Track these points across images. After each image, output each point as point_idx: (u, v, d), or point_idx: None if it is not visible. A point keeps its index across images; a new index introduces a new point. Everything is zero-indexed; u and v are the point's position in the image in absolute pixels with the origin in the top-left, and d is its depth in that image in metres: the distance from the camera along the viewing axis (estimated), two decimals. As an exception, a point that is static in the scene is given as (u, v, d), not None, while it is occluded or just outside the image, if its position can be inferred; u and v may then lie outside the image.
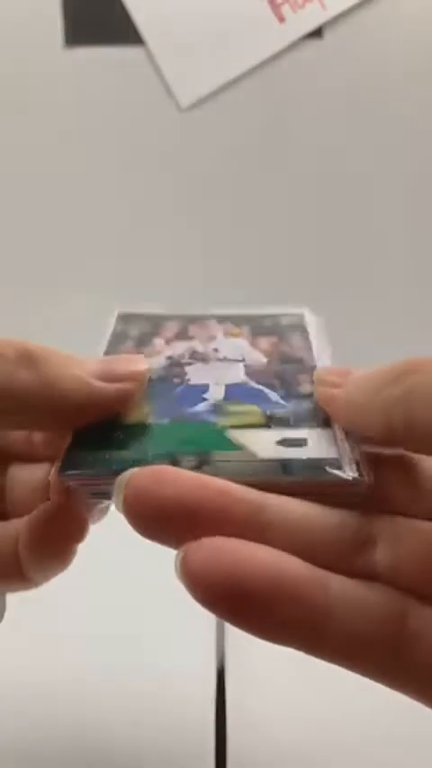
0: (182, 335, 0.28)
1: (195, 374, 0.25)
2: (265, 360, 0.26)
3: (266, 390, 0.24)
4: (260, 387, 0.24)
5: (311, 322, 0.29)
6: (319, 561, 0.17)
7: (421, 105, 0.57)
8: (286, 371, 0.25)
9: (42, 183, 0.58)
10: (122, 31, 0.55)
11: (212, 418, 0.22)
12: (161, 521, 0.17)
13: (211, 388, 0.24)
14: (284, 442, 0.20)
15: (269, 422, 0.21)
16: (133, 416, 0.21)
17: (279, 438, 0.20)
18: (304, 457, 0.19)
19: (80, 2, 0.55)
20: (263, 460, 0.19)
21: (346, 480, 0.18)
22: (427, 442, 0.17)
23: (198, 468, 0.19)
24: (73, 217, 0.59)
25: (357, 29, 0.55)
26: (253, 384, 0.24)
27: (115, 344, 0.27)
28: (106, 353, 0.26)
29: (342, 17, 0.55)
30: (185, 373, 0.25)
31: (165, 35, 0.55)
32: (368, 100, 0.57)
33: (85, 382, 0.20)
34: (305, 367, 0.25)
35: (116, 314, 0.29)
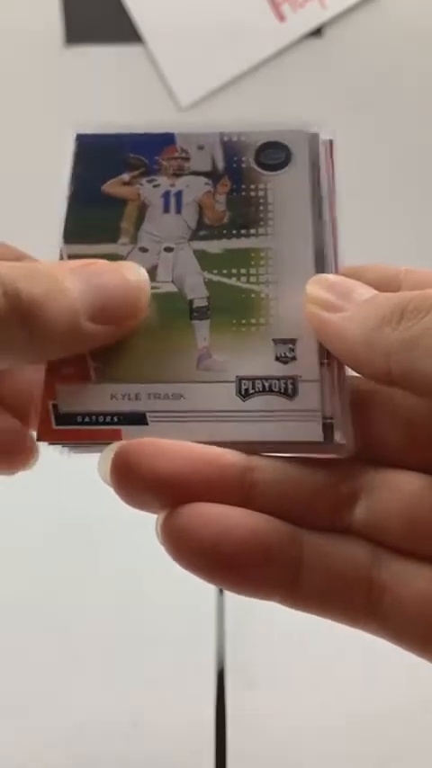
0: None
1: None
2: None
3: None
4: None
5: (326, 153, 0.23)
6: (300, 520, 0.18)
7: (421, 105, 0.57)
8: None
9: (42, 183, 0.58)
10: (122, 31, 0.55)
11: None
12: (149, 493, 0.17)
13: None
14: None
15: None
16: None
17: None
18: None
19: (80, 2, 0.55)
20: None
21: (328, 447, 0.18)
22: (428, 392, 0.16)
23: None
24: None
25: (357, 29, 0.55)
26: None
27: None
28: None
29: (342, 17, 0.55)
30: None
31: (165, 35, 0.55)
32: (368, 100, 0.57)
33: (78, 329, 0.18)
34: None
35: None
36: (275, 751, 0.33)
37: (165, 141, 0.22)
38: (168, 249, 0.20)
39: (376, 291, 0.18)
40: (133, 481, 0.17)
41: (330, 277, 0.19)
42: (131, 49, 0.55)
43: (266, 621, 0.36)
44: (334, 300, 0.18)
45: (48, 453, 0.19)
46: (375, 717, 0.34)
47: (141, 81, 0.56)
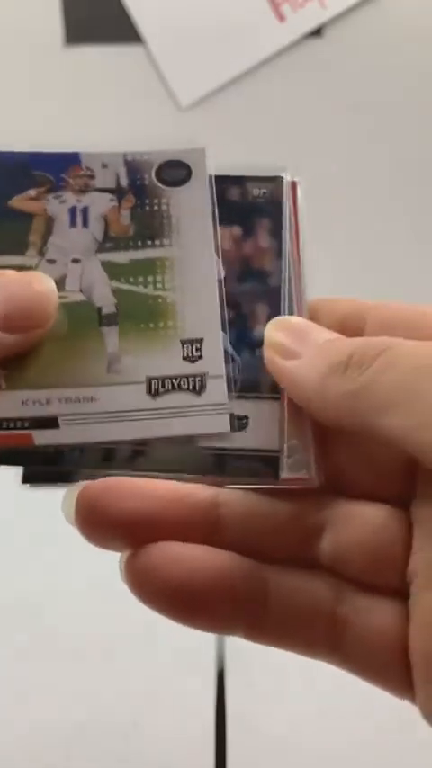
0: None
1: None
2: (223, 272, 0.21)
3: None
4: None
5: (288, 194, 0.23)
6: (266, 554, 0.18)
7: (421, 105, 0.57)
8: (244, 296, 0.21)
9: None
10: (122, 31, 0.55)
11: None
12: (114, 534, 0.17)
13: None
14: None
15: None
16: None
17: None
18: (245, 446, 0.19)
19: (80, 1, 0.55)
20: (202, 455, 0.19)
21: (292, 480, 0.18)
22: (377, 443, 0.17)
23: (134, 458, 0.19)
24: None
25: (357, 29, 0.55)
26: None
27: None
28: None
29: (342, 17, 0.55)
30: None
31: (165, 35, 0.55)
32: (368, 100, 0.57)
33: None
34: (268, 289, 0.21)
35: None
36: (275, 751, 0.33)
37: (70, 160, 0.23)
38: (76, 260, 0.21)
39: (333, 335, 0.18)
40: (98, 522, 0.17)
41: (290, 319, 0.20)
42: (131, 49, 0.55)
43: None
44: (289, 345, 0.18)
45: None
46: (376, 717, 0.34)
47: (141, 81, 0.56)
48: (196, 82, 0.56)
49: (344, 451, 0.19)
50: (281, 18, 0.55)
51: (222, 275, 0.21)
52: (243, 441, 0.19)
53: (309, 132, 0.58)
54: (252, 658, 0.37)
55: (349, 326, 0.19)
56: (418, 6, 0.55)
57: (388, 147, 0.58)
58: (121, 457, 0.19)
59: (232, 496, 0.18)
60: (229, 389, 0.19)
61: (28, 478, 0.19)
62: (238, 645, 0.38)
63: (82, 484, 0.18)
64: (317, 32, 0.55)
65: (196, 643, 0.38)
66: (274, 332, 0.19)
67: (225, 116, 0.57)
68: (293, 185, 0.23)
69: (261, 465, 0.19)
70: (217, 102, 0.57)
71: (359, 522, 0.18)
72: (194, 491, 0.18)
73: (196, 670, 0.37)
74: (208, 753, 0.33)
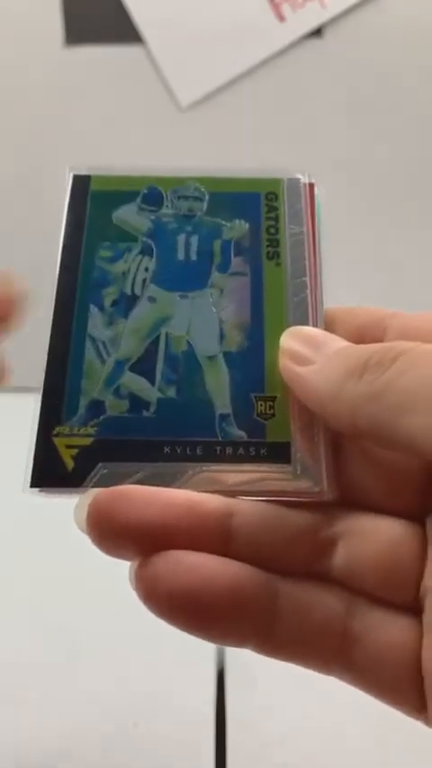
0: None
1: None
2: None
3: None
4: None
5: (305, 196, 0.23)
6: (278, 566, 0.18)
7: (421, 105, 0.57)
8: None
9: (42, 183, 0.58)
10: (122, 31, 0.55)
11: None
12: (126, 542, 0.17)
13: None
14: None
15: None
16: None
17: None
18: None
19: (80, 2, 0.55)
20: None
21: (304, 493, 0.18)
22: (395, 447, 0.16)
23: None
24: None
25: (357, 29, 0.55)
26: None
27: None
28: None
29: (342, 17, 0.55)
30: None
31: (165, 35, 0.55)
32: (368, 100, 0.57)
33: None
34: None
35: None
36: (275, 751, 0.33)
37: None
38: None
39: (347, 343, 0.18)
40: (110, 530, 0.17)
41: (304, 329, 0.20)
42: (131, 49, 0.55)
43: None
44: (304, 352, 0.19)
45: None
46: (376, 717, 0.34)
47: (141, 81, 0.56)
48: (196, 82, 0.56)
49: (357, 464, 0.19)
50: (281, 18, 0.55)
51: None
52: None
53: (308, 132, 0.58)
54: (252, 658, 0.37)
55: (368, 336, 0.19)
56: (418, 6, 0.55)
57: (388, 147, 0.58)
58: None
59: (244, 507, 0.18)
60: None
61: (36, 483, 0.19)
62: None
63: (94, 491, 0.17)
64: (317, 32, 0.55)
65: (196, 643, 0.38)
66: (289, 340, 0.19)
67: (225, 116, 0.57)
68: (310, 187, 0.23)
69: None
70: (217, 102, 0.57)
71: (373, 537, 0.18)
72: (207, 501, 0.18)
73: (196, 670, 0.37)
74: (208, 753, 0.33)
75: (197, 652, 0.38)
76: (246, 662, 0.37)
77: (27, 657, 0.38)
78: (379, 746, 0.33)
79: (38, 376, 0.20)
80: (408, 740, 0.33)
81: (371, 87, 0.57)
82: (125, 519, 0.17)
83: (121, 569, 0.40)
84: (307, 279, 0.21)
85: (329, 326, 0.20)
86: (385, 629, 0.17)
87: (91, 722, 0.35)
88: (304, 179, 0.23)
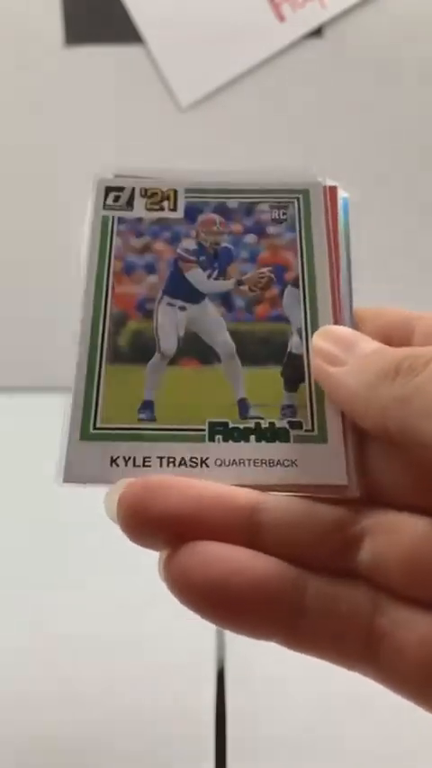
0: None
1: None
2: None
3: None
4: None
5: (326, 199, 0.22)
6: (305, 561, 0.18)
7: (421, 105, 0.57)
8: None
9: (42, 183, 0.58)
10: (122, 31, 0.55)
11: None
12: (156, 532, 0.17)
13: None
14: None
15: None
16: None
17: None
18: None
19: (80, 2, 0.55)
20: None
21: (332, 488, 0.18)
22: (423, 450, 0.17)
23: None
24: (72, 216, 0.59)
25: (357, 29, 0.55)
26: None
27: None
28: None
29: (342, 17, 0.55)
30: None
31: (165, 35, 0.55)
32: (368, 100, 0.57)
33: None
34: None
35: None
36: (275, 750, 0.33)
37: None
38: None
39: (379, 345, 0.19)
40: (140, 520, 0.17)
41: (336, 329, 0.20)
42: (131, 49, 0.55)
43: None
44: (337, 353, 0.19)
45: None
46: (376, 716, 0.34)
47: (141, 81, 0.56)
48: (196, 82, 0.56)
49: (383, 461, 0.19)
50: (281, 18, 0.55)
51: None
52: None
53: (308, 132, 0.58)
54: (252, 658, 0.37)
55: (395, 337, 0.20)
56: (418, 6, 0.55)
57: (388, 147, 0.58)
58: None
59: (273, 502, 0.18)
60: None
61: (68, 477, 0.19)
62: (238, 645, 0.38)
63: (124, 482, 0.18)
64: (317, 32, 0.55)
65: (196, 642, 0.38)
66: (321, 341, 0.19)
67: (225, 116, 0.57)
68: (332, 190, 0.23)
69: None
70: (217, 102, 0.57)
71: (399, 533, 0.18)
72: (237, 494, 0.18)
73: (196, 670, 0.37)
74: (208, 752, 0.34)
75: (197, 651, 0.38)
76: (246, 661, 0.37)
77: (27, 656, 0.38)
78: (379, 746, 0.33)
79: (64, 375, 0.20)
80: (408, 740, 0.33)
81: (371, 87, 0.57)
82: (156, 509, 0.17)
83: (122, 569, 0.40)
84: (328, 281, 0.21)
85: (358, 327, 0.21)
86: (412, 626, 0.17)
87: (91, 721, 0.35)
88: (326, 182, 0.23)
